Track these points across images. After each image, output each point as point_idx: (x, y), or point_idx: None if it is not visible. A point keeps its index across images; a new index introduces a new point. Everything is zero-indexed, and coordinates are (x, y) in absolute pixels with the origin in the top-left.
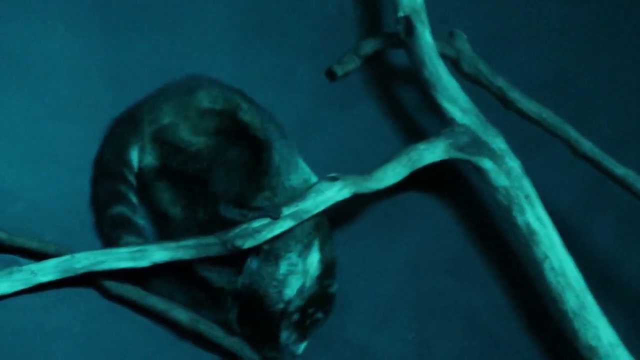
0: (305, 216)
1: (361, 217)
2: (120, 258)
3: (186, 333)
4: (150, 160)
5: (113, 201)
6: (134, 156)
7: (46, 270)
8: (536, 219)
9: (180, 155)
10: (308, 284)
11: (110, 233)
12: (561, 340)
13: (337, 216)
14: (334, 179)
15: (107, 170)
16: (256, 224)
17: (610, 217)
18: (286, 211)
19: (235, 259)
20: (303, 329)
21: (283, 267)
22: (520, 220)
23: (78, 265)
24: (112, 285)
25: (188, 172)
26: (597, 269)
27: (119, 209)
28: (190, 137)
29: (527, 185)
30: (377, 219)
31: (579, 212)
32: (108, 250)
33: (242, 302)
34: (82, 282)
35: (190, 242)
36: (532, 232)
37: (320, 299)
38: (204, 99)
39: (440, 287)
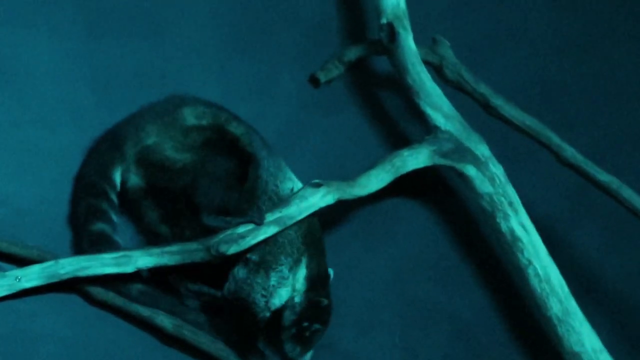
0: (289, 222)
1: (345, 224)
2: (104, 264)
3: (171, 339)
4: (136, 180)
5: (94, 218)
6: (117, 176)
7: (30, 276)
8: (520, 225)
9: (166, 173)
10: (297, 299)
11: (89, 250)
12: (545, 346)
13: (321, 222)
14: (317, 185)
15: (89, 187)
16: (240, 229)
17: (594, 223)
18: (270, 217)
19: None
20: (304, 340)
21: (273, 279)
22: (504, 226)
23: (62, 271)
24: (96, 291)
25: (174, 189)
26: (581, 276)
27: (100, 226)
28: (175, 154)
29: (510, 191)
30: (361, 226)
31: (563, 219)
32: (92, 256)
33: (226, 308)
34: (66, 288)
35: (174, 247)
36: (516, 239)
37: (313, 312)
38: (189, 117)
39: (424, 292)
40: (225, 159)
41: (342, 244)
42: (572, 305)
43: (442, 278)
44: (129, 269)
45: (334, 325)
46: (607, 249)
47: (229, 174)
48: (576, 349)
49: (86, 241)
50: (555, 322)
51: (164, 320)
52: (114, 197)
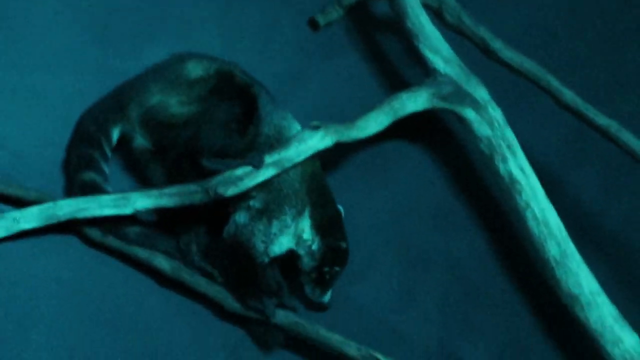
0: (288, 164)
1: (343, 167)
2: (102, 205)
3: (169, 281)
4: (141, 142)
5: (86, 167)
6: (115, 133)
7: (28, 218)
8: (518, 168)
9: (171, 130)
10: (315, 246)
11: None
12: (543, 289)
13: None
14: (316, 128)
15: (85, 137)
16: (239, 172)
17: (592, 166)
18: (268, 159)
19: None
20: (325, 283)
21: (275, 227)
22: (502, 169)
23: (60, 213)
24: (94, 232)
25: (179, 145)
26: (579, 218)
27: (91, 175)
28: (181, 109)
29: (509, 135)
30: (360, 169)
31: (561, 162)
32: (90, 198)
33: (225, 251)
34: (64, 230)
35: (173, 189)
36: (514, 182)
37: (332, 256)
38: (194, 70)
39: (422, 235)
40: (231, 105)
41: (340, 187)
42: (570, 247)
43: (440, 221)
44: (127, 210)
45: None
46: (605, 192)
47: (233, 120)
48: (574, 291)
49: (76, 189)
50: (553, 264)
51: (162, 262)
52: (107, 150)
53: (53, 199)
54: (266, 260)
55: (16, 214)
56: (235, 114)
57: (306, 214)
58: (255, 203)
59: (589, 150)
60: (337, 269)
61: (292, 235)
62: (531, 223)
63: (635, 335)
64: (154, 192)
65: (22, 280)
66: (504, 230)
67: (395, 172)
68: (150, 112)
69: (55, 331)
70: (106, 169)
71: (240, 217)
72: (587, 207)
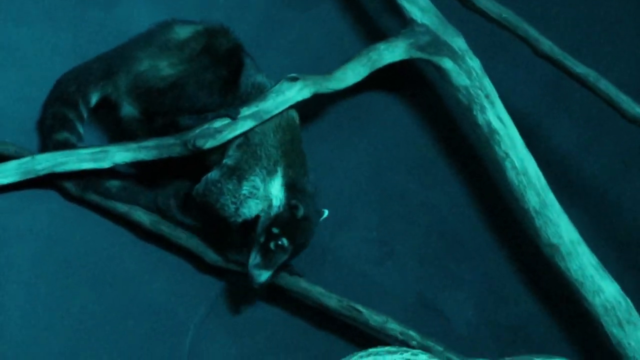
0: (266, 116)
1: (322, 118)
2: (81, 159)
3: (148, 235)
4: (130, 110)
5: (60, 127)
6: (94, 97)
7: (7, 172)
8: (497, 118)
9: (160, 94)
10: (275, 202)
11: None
12: (523, 239)
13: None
14: (294, 79)
15: (63, 97)
16: (217, 124)
17: (571, 116)
18: (246, 111)
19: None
20: (268, 254)
21: (245, 188)
22: (480, 119)
23: (39, 167)
24: (73, 186)
25: (167, 109)
26: (558, 168)
27: (65, 135)
28: (171, 70)
29: (487, 84)
30: (338, 120)
31: (540, 111)
32: (69, 152)
33: (199, 210)
34: (43, 184)
35: (151, 142)
36: (492, 131)
37: (285, 221)
38: (182, 32)
39: (401, 186)
40: (218, 66)
41: (319, 139)
42: (550, 197)
43: (419, 172)
44: (105, 164)
45: None
46: (584, 141)
47: (218, 81)
48: (554, 240)
49: (50, 147)
50: (533, 214)
51: (142, 216)
52: (84, 112)
53: (31, 153)
54: (238, 220)
55: None
56: (221, 75)
57: (278, 173)
58: (228, 160)
59: (568, 100)
60: (284, 240)
61: (262, 199)
62: (510, 173)
63: (615, 284)
64: (133, 145)
65: (1, 235)
66: (483, 180)
67: (374, 124)
68: (140, 78)
69: (33, 285)
70: (81, 130)
71: (212, 173)
72: (566, 157)
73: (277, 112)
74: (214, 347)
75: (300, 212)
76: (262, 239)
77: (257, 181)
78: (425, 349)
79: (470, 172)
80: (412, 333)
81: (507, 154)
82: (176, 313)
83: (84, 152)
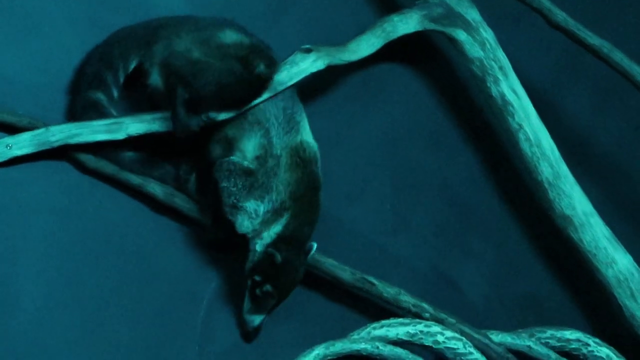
0: (280, 88)
1: (335, 90)
2: (95, 131)
3: (162, 207)
4: (157, 80)
5: (97, 87)
6: (133, 63)
7: (21, 144)
8: (510, 89)
9: (186, 75)
10: (258, 247)
11: (80, 114)
12: (536, 210)
13: (311, 88)
14: (308, 51)
15: (105, 58)
16: None
17: (584, 87)
18: None
19: None
20: (256, 299)
21: (250, 203)
22: (494, 91)
23: (53, 138)
24: (87, 158)
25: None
26: (571, 139)
27: (98, 95)
28: (201, 57)
29: (501, 56)
30: (352, 91)
31: (554, 83)
32: (83, 123)
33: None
34: (57, 156)
35: (166, 114)
36: (506, 103)
37: (265, 267)
38: (231, 36)
39: (415, 158)
40: (243, 78)
41: (333, 111)
42: (563, 169)
43: (433, 144)
44: (119, 135)
45: (324, 192)
46: (598, 113)
47: (236, 85)
48: (567, 212)
49: (80, 105)
50: (546, 186)
51: (155, 188)
52: (121, 76)
53: (45, 125)
54: (227, 216)
55: (8, 140)
56: (241, 86)
57: (282, 221)
58: (250, 165)
59: (581, 71)
60: (268, 287)
61: (252, 225)
62: (524, 145)
63: (628, 256)
64: (147, 116)
65: (15, 207)
66: (497, 152)
67: (387, 95)
68: (173, 56)
69: (47, 257)
70: (115, 94)
71: (232, 160)
72: (580, 128)
73: (291, 83)
74: (227, 318)
75: (277, 258)
76: (249, 284)
77: (261, 210)
78: (439, 321)
79: (483, 144)
80: (425, 305)
81: (520, 126)
82: (189, 285)
83: (98, 123)
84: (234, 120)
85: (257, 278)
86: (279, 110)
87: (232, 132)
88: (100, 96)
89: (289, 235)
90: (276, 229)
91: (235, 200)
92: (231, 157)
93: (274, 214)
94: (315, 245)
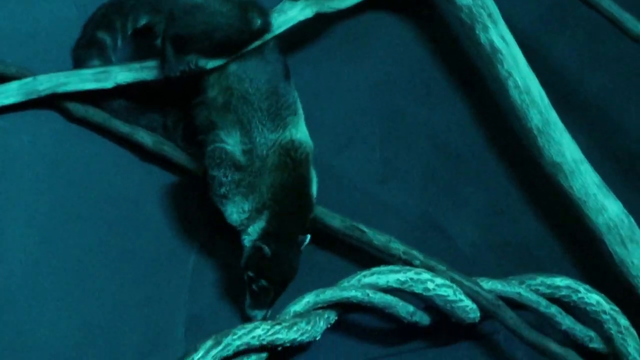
0: (268, 36)
1: (324, 39)
2: (83, 80)
3: (150, 155)
4: (161, 29)
5: (104, 27)
6: (143, 20)
7: (8, 93)
8: (499, 37)
9: (176, 16)
10: (246, 242)
11: (82, 51)
12: (526, 158)
13: (300, 38)
14: None
15: (118, 3)
16: None
17: (573, 34)
18: None
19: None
20: (254, 295)
21: (238, 199)
22: (483, 38)
23: (41, 87)
24: (75, 107)
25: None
26: (561, 87)
27: (104, 36)
28: (202, 1)
29: (490, 3)
30: (341, 40)
31: (542, 30)
32: (71, 72)
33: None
34: (45, 105)
35: (153, 62)
36: (495, 50)
37: (256, 262)
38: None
39: (404, 106)
40: (242, 27)
41: (321, 59)
42: (552, 116)
43: (422, 92)
44: (108, 84)
45: (313, 141)
46: (587, 60)
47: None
48: (557, 159)
49: (84, 40)
50: (536, 133)
51: (144, 137)
52: (129, 27)
53: (33, 74)
54: (217, 204)
55: None
56: (240, 32)
57: (264, 217)
58: (240, 158)
59: (570, 18)
60: (263, 282)
61: (240, 216)
62: (513, 92)
63: (618, 203)
64: (135, 65)
65: (3, 156)
66: (486, 99)
67: (377, 43)
68: (176, 5)
69: (35, 206)
70: (119, 41)
71: (225, 147)
72: (569, 75)
73: (279, 32)
74: (217, 267)
75: (266, 251)
76: (246, 279)
77: (247, 206)
78: (429, 268)
79: (473, 91)
80: (415, 252)
81: (509, 73)
82: (179, 233)
83: (86, 72)
84: (219, 108)
85: (250, 274)
86: (262, 112)
87: (216, 119)
88: (106, 38)
89: (274, 231)
90: (260, 224)
91: (225, 192)
92: (224, 145)
93: (256, 212)
94: (308, 237)
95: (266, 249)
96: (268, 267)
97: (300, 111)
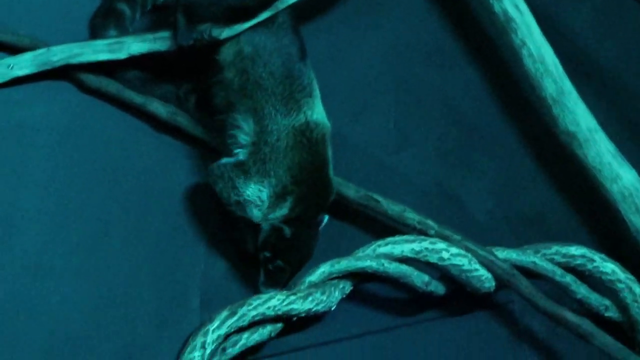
0: (282, 6)
1: (338, 6)
2: (97, 50)
3: (164, 126)
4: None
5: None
6: None
7: (22, 64)
8: (513, 6)
9: None
10: (265, 226)
11: (100, 20)
12: (540, 127)
13: (313, 5)
14: None
15: None
16: None
17: (587, 2)
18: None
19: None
20: (269, 274)
21: (251, 191)
22: (497, 7)
23: (54, 58)
24: (89, 78)
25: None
26: (575, 55)
27: (124, 7)
28: None
29: None
30: (355, 8)
31: None
32: (84, 43)
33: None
34: (59, 76)
35: (167, 33)
36: (509, 19)
37: (274, 243)
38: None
39: (418, 75)
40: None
41: (335, 28)
42: (567, 85)
43: (436, 61)
44: (121, 55)
45: (328, 110)
46: (601, 29)
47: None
48: (571, 128)
49: (103, 9)
50: (550, 102)
51: (158, 107)
52: (149, 4)
53: (47, 45)
54: (238, 214)
55: (10, 60)
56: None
57: (284, 210)
58: (240, 154)
59: None
60: (279, 263)
61: (262, 213)
62: (527, 61)
63: (633, 171)
64: (149, 35)
65: (17, 127)
66: (500, 69)
67: (391, 12)
68: None
69: (49, 178)
70: (138, 14)
71: (225, 159)
72: (583, 44)
73: (292, 1)
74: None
75: (286, 232)
76: (261, 259)
77: (264, 194)
78: (443, 238)
79: (487, 60)
80: (430, 222)
81: (523, 42)
82: (194, 204)
83: (99, 43)
84: (237, 91)
85: (267, 254)
86: (275, 97)
87: (234, 100)
88: (125, 9)
89: (296, 217)
90: (282, 211)
91: (236, 196)
92: (220, 161)
93: (277, 199)
94: (326, 217)
95: (286, 229)
96: (286, 249)
97: (317, 92)
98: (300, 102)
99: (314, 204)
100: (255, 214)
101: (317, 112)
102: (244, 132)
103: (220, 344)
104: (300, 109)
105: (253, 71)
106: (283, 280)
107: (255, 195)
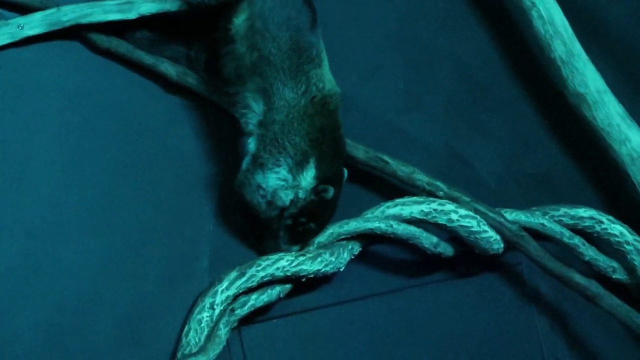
0: None
1: None
2: (107, 10)
3: (174, 87)
4: None
5: None
6: None
7: (33, 24)
8: None
9: None
10: (302, 194)
11: None
12: (549, 88)
13: None
14: None
15: None
16: None
17: None
18: None
19: None
20: (295, 235)
21: (272, 180)
22: None
23: (65, 18)
24: (99, 38)
25: None
26: (584, 17)
27: None
28: None
29: None
30: None
31: None
32: (94, 3)
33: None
34: (69, 36)
35: None
36: None
37: (314, 207)
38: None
39: (428, 37)
40: None
41: None
42: (576, 46)
43: (445, 22)
44: (131, 15)
45: (337, 72)
46: None
47: None
48: (580, 90)
49: None
50: (559, 63)
51: (168, 68)
52: None
53: (57, 4)
54: (275, 213)
55: (20, 20)
56: None
57: (311, 164)
58: (251, 146)
59: None
60: (312, 225)
61: (291, 188)
62: (537, 22)
63: None
64: None
65: (27, 87)
66: (510, 30)
67: None
68: None
69: (59, 137)
70: None
71: (244, 162)
72: (593, 5)
73: None
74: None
75: (330, 194)
76: (288, 222)
77: (283, 172)
78: (452, 199)
79: (496, 22)
80: (439, 184)
81: (533, 3)
82: (204, 164)
83: (109, 3)
84: (248, 67)
85: (302, 219)
86: (284, 72)
87: (245, 75)
88: None
89: (324, 174)
90: (311, 173)
91: (263, 197)
92: (240, 169)
93: (300, 166)
94: (346, 172)
95: (331, 190)
96: (323, 211)
97: (325, 61)
98: (309, 74)
99: (335, 158)
100: (286, 194)
101: (327, 81)
102: (253, 111)
103: (229, 304)
104: (310, 81)
105: (263, 47)
106: (308, 239)
107: (277, 180)
